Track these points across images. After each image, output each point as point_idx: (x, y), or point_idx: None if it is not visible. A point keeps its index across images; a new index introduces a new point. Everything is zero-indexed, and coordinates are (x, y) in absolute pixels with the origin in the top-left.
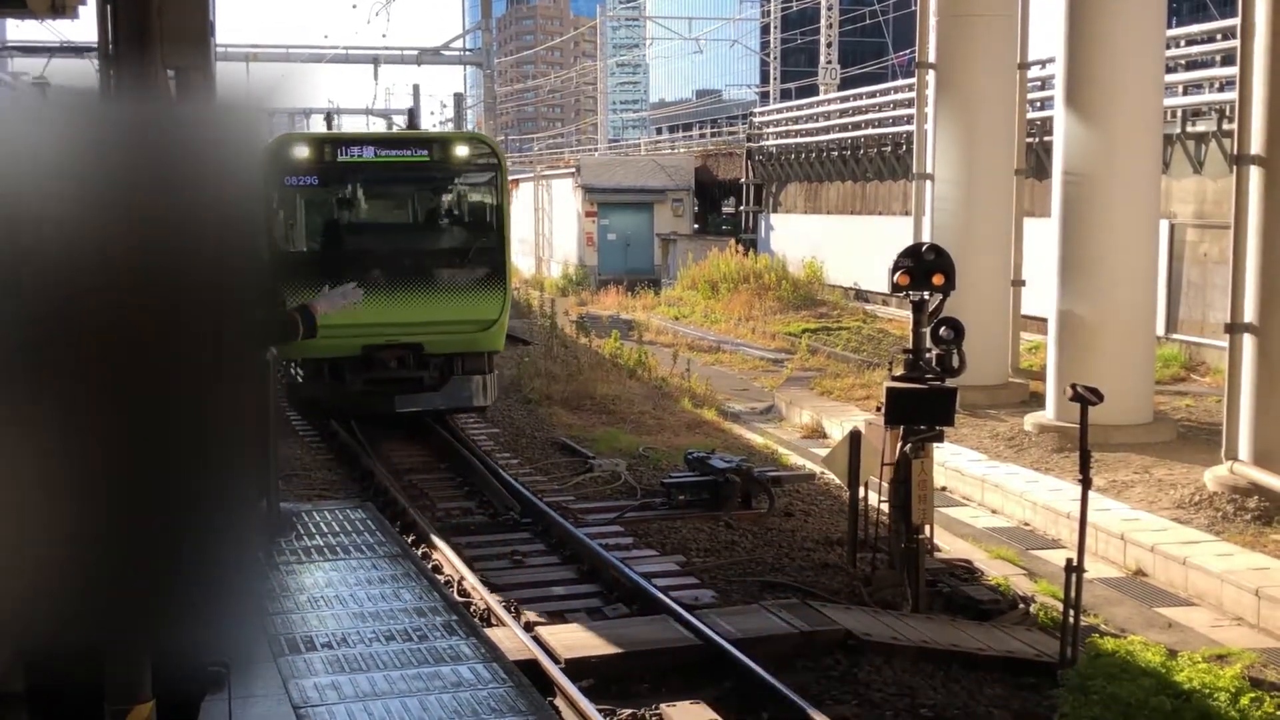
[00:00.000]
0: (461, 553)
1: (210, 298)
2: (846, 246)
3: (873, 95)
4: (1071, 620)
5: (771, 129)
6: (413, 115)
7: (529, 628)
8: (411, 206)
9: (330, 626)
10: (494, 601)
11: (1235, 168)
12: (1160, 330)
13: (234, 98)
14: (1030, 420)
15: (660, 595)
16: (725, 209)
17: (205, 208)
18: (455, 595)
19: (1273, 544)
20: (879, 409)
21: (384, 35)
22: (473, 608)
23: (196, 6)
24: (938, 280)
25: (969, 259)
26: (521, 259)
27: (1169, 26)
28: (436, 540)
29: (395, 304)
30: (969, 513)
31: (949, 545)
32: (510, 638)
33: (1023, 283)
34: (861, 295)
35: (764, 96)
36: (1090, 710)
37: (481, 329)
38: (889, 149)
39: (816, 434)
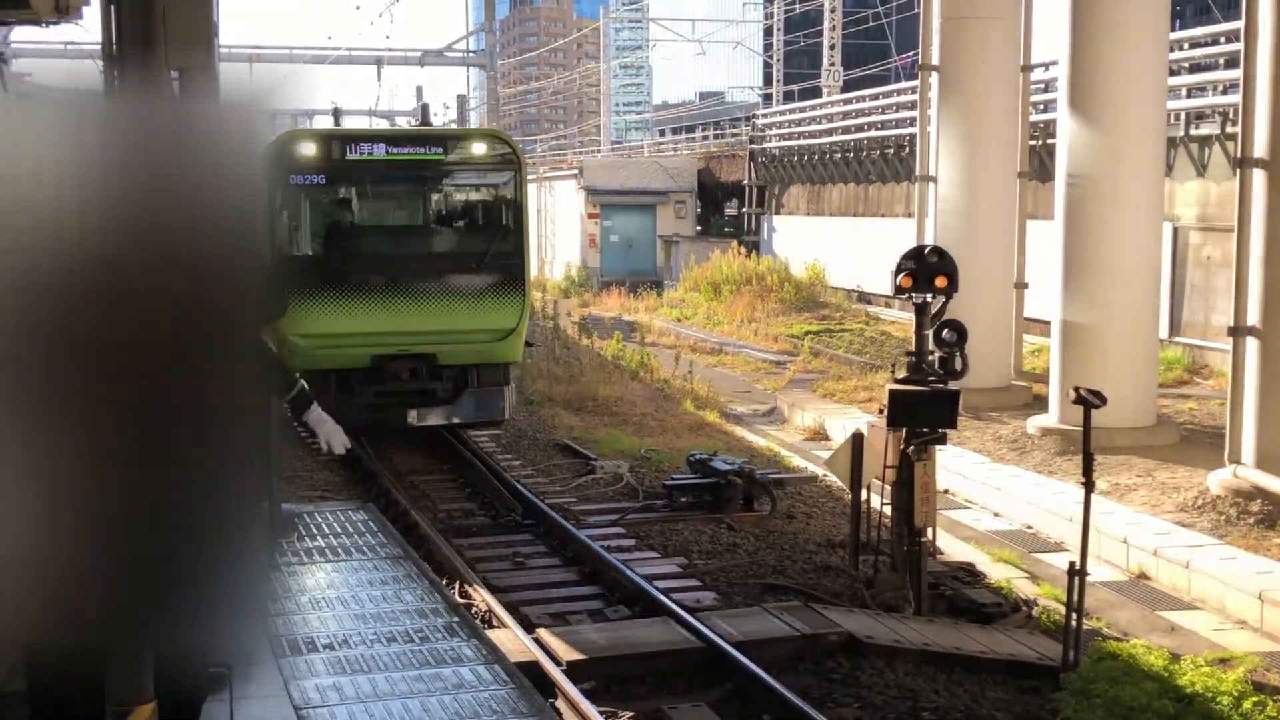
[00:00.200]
0: (463, 554)
1: (211, 296)
2: (849, 249)
3: (875, 97)
4: (1074, 623)
5: (774, 131)
6: (425, 112)
7: (530, 629)
8: (425, 207)
9: (331, 628)
10: (495, 603)
11: (1239, 171)
12: (1163, 333)
13: (234, 96)
14: (1033, 423)
15: (662, 597)
16: (728, 211)
17: (200, 208)
18: (456, 597)
19: (1276, 548)
20: (881, 411)
21: (387, 37)
22: (474, 609)
23: (201, 7)
24: (940, 283)
25: (972, 261)
26: None
27: (1172, 29)
28: (438, 542)
29: (407, 311)
30: (971, 516)
31: (951, 548)
32: (511, 639)
33: (1026, 285)
34: (864, 297)
35: (767, 98)
36: (1093, 714)
37: (498, 338)
38: (892, 151)
39: (819, 436)
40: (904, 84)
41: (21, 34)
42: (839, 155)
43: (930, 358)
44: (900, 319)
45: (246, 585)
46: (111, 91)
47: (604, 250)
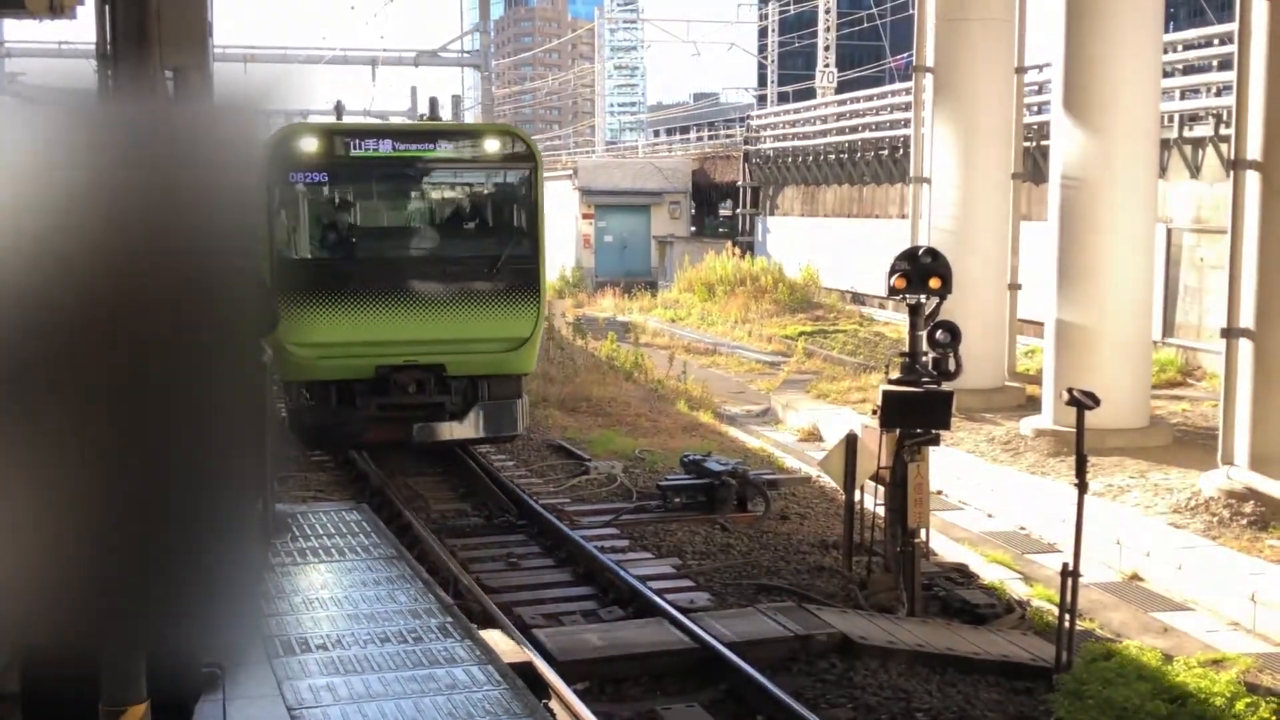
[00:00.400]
0: (457, 555)
1: (206, 296)
2: (843, 249)
3: (870, 99)
4: (1067, 624)
5: (769, 132)
6: (434, 106)
7: (524, 630)
8: (434, 208)
9: (325, 628)
10: (489, 603)
11: (1232, 173)
12: (1156, 335)
13: (229, 96)
14: (1026, 424)
15: (655, 598)
16: (722, 211)
17: (194, 211)
18: (450, 597)
19: (1269, 549)
20: (875, 412)
21: (382, 37)
22: (468, 610)
23: (195, 6)
24: (934, 284)
25: (966, 262)
26: None
27: (1166, 31)
28: (432, 542)
29: (414, 319)
30: (965, 517)
31: (945, 549)
32: (505, 640)
33: (1019, 286)
34: (858, 298)
35: (761, 99)
36: (1086, 714)
37: (512, 348)
38: (886, 152)
39: (813, 437)
40: (898, 85)
41: (16, 34)
42: (833, 156)
43: (924, 359)
44: (894, 320)
45: (241, 585)
46: (105, 91)
47: (598, 251)
